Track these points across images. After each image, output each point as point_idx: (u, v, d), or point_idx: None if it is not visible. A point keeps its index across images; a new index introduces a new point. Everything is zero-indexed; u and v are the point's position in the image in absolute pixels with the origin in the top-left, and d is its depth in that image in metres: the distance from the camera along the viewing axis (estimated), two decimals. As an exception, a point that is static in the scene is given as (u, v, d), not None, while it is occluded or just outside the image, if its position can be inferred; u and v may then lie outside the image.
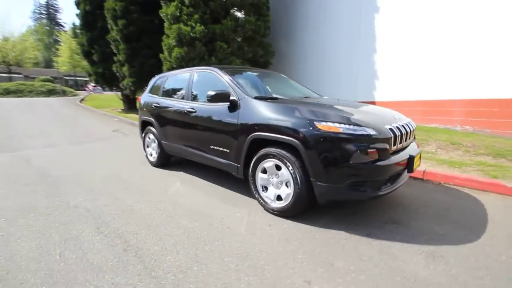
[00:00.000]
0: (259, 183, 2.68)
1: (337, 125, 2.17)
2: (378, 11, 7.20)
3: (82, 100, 21.58)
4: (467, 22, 5.43)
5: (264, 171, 2.62)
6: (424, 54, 6.17)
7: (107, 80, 13.01)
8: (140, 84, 11.37)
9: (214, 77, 3.28)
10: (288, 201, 2.43)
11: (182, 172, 4.05)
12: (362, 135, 2.14)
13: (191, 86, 3.58)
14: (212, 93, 2.84)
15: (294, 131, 2.29)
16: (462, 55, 5.53)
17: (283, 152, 2.40)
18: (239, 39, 8.57)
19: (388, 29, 6.98)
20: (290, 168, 2.34)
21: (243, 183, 3.41)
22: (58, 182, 3.64)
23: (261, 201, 2.67)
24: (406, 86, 6.62)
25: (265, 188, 2.66)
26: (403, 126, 2.46)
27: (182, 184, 3.51)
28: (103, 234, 2.27)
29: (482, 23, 5.23)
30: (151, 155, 4.45)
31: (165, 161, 4.28)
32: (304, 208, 2.42)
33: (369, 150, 2.14)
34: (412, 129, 2.62)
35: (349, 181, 2.14)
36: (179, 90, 3.84)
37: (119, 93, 14.52)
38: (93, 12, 12.31)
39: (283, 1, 10.16)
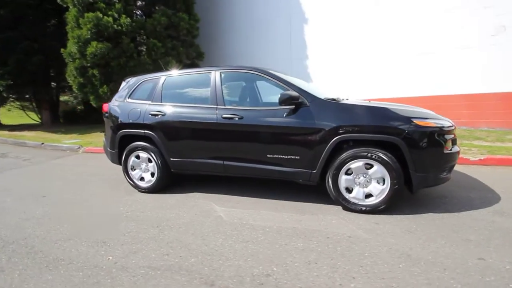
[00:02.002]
0: (342, 185, 2.62)
1: (429, 120, 2.46)
2: (307, 22, 8.17)
3: None
4: (386, 33, 7.02)
5: (348, 172, 2.61)
6: (351, 60, 7.52)
7: None
8: (19, 88, 8.20)
9: (259, 79, 2.93)
10: (383, 197, 2.51)
11: (196, 193, 3.35)
12: (447, 127, 2.50)
13: (219, 89, 3.01)
14: (285, 96, 2.55)
15: (396, 129, 2.40)
16: (382, 62, 7.12)
17: (376, 150, 2.47)
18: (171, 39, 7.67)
19: (317, 38, 8.03)
20: (388, 164, 2.45)
21: (292, 190, 3.26)
22: (31, 246, 2.27)
23: (346, 203, 2.62)
24: (337, 87, 7.86)
25: (348, 190, 2.65)
26: None
27: (226, 206, 2.92)
28: (235, 290, 1.66)
29: (397, 38, 6.91)
30: (141, 179, 3.43)
31: (168, 183, 3.42)
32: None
33: (450, 139, 2.54)
34: None
35: (442, 168, 2.47)
36: (195, 93, 3.15)
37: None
38: None
39: (205, 2, 9.79)
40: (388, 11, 6.99)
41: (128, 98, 3.46)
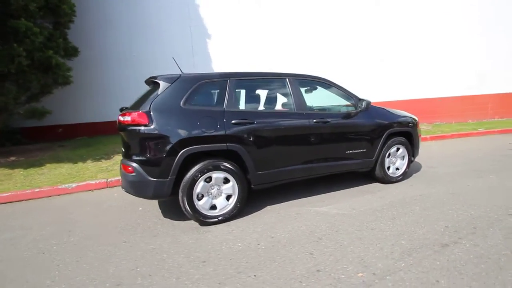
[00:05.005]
0: (386, 165, 3.63)
1: (415, 116, 4.00)
2: (210, 38, 8.36)
3: None
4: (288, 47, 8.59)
5: (388, 155, 3.66)
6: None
7: None
8: None
9: (327, 86, 3.34)
10: (403, 169, 3.78)
11: (272, 206, 3.12)
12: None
13: (301, 95, 3.08)
14: (368, 102, 3.25)
15: (410, 123, 3.75)
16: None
17: (401, 138, 3.70)
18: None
19: (220, 52, 8.44)
20: (407, 146, 3.74)
21: (346, 179, 3.90)
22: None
23: (388, 177, 3.66)
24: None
25: (388, 168, 3.70)
26: None
27: (322, 206, 3.06)
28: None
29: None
30: (212, 207, 2.66)
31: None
32: (405, 171, 3.95)
33: (417, 127, 4.26)
34: None
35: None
36: (274, 99, 2.94)
37: None
38: None
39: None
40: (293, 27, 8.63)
41: (186, 104, 2.53)
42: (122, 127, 2.58)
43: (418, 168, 4.51)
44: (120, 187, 4.25)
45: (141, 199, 3.44)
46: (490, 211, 2.76)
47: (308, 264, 2.01)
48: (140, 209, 3.20)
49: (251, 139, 2.75)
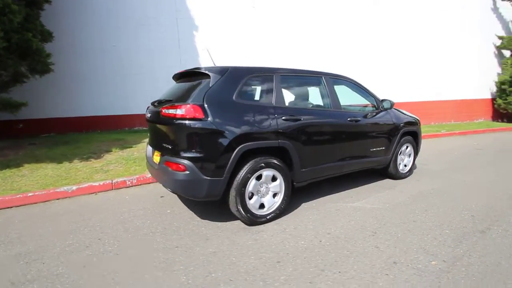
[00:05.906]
0: (398, 163, 3.91)
1: (417, 116, 4.36)
2: (198, 30, 8.00)
3: None
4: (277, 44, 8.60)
5: (400, 153, 3.93)
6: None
7: None
8: None
9: (353, 86, 3.47)
10: (410, 166, 4.12)
11: (304, 204, 3.15)
12: (418, 119, 4.57)
13: (335, 93, 3.11)
14: (392, 103, 3.41)
15: (416, 123, 4.09)
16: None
17: (409, 137, 4.02)
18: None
19: (210, 45, 8.13)
20: (413, 144, 4.07)
21: (359, 176, 4.08)
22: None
23: (400, 174, 3.95)
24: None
25: (398, 165, 3.97)
26: None
27: (351, 202, 3.18)
28: None
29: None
30: (261, 206, 2.58)
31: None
32: (411, 165, 4.29)
33: (417, 126, 4.64)
34: None
35: (420, 142, 4.51)
36: (313, 96, 2.94)
37: None
38: None
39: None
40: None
41: (237, 97, 2.38)
42: (166, 120, 2.35)
43: (414, 165, 4.95)
44: (125, 188, 3.91)
45: (165, 201, 3.21)
46: (498, 200, 3.16)
47: (381, 257, 2.07)
48: (169, 211, 2.94)
49: (298, 136, 2.73)
